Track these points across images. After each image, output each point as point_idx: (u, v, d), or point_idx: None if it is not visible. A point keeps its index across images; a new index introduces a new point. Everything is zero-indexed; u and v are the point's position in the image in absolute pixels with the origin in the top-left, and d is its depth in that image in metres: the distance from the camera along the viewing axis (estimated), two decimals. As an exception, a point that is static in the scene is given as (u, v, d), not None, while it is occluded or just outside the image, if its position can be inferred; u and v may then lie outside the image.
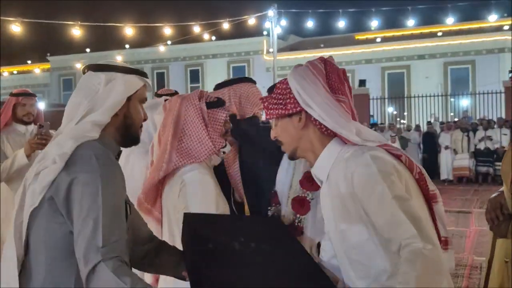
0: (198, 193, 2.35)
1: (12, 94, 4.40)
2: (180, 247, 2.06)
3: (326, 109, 1.78)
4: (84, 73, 1.97)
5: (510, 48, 24.21)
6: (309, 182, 2.12)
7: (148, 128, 3.20)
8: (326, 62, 1.88)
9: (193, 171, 2.39)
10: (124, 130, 1.94)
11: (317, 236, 2.12)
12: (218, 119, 2.47)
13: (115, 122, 1.91)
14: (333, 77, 1.85)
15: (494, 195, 2.65)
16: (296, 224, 2.18)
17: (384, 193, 1.61)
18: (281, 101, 1.88)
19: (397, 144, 14.75)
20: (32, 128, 4.27)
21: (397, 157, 1.77)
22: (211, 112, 2.47)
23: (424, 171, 1.82)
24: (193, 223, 2.02)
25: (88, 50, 33.10)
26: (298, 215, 2.18)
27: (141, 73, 2.00)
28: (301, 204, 2.17)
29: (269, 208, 2.32)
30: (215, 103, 2.49)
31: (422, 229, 1.55)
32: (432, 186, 1.82)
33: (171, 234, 2.44)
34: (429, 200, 1.80)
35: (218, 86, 2.91)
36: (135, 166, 3.21)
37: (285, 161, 2.33)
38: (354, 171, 1.68)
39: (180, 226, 2.04)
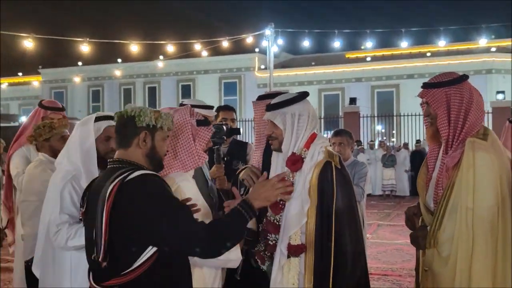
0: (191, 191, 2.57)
1: (41, 106, 4.58)
2: None
3: None
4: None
5: (497, 69, 24.62)
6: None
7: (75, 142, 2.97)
8: None
9: (182, 176, 2.59)
10: None
11: None
12: (204, 137, 2.67)
13: None
14: None
15: (409, 206, 2.96)
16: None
17: None
18: None
19: (362, 157, 15.23)
20: None
21: None
22: (199, 129, 2.66)
23: None
24: None
25: (80, 63, 32.99)
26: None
27: None
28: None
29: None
30: (203, 122, 2.70)
31: None
32: None
33: None
34: None
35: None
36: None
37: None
38: None
39: None
